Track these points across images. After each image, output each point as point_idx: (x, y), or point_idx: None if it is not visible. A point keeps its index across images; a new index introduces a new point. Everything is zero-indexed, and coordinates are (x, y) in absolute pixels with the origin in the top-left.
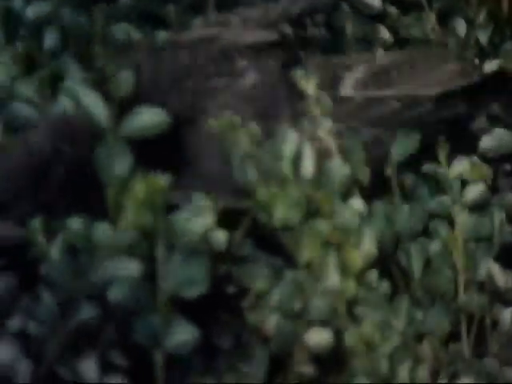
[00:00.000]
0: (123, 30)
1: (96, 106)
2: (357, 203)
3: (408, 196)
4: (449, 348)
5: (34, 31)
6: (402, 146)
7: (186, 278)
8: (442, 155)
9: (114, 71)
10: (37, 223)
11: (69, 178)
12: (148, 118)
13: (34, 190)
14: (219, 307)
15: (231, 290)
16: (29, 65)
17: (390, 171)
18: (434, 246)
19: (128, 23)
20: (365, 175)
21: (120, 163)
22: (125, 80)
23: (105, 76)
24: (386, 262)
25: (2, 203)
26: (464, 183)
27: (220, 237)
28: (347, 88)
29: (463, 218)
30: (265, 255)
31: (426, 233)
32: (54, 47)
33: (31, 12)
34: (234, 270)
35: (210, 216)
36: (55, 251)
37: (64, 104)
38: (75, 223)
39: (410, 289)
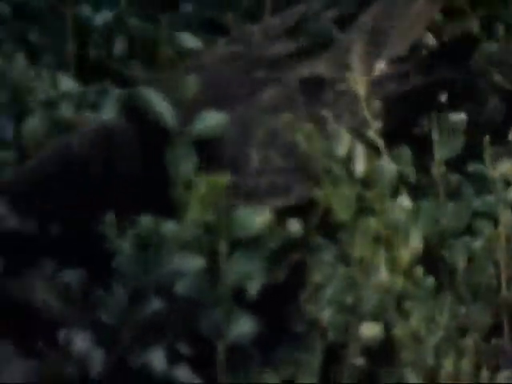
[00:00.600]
0: (186, 37)
1: (165, 109)
2: (404, 201)
3: (453, 195)
4: (491, 342)
5: (103, 38)
6: (448, 146)
7: (246, 272)
8: (487, 156)
9: (180, 76)
10: (110, 218)
11: (137, 177)
12: (212, 121)
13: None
14: (279, 299)
15: (291, 282)
16: (99, 70)
17: (435, 170)
18: (478, 244)
19: (190, 30)
20: (412, 174)
21: (186, 164)
22: (190, 84)
23: (171, 80)
24: (432, 258)
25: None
26: (508, 183)
27: (294, 226)
28: None
29: (506, 217)
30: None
31: (470, 230)
32: (123, 53)
33: (100, 19)
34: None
35: (269, 212)
36: (126, 246)
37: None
38: (145, 220)
39: (454, 284)
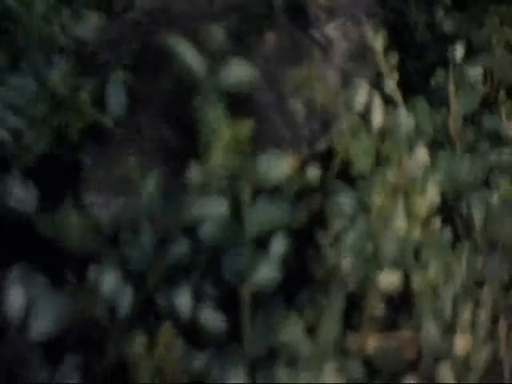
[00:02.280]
0: None
1: (193, 58)
2: (421, 154)
3: (469, 149)
4: (508, 293)
5: None
6: (465, 101)
7: (268, 218)
8: (503, 111)
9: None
10: (132, 161)
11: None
12: (238, 71)
13: None
14: (301, 244)
15: (312, 229)
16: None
17: (452, 124)
18: (494, 197)
19: None
20: (428, 127)
21: (212, 111)
22: (216, 34)
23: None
24: (449, 210)
25: None
26: None
27: (313, 174)
28: None
29: None
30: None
31: (487, 184)
32: None
33: None
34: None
35: (292, 160)
36: (151, 188)
37: None
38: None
39: (471, 237)
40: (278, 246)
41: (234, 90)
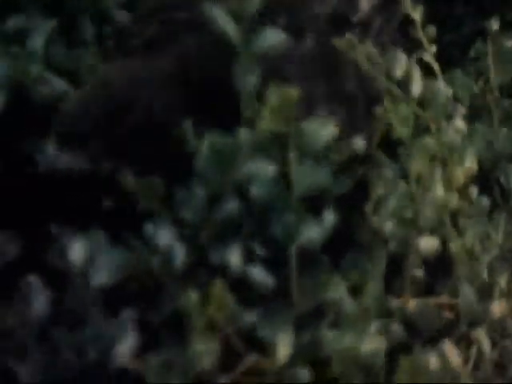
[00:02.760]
0: None
1: (229, 24)
2: (459, 123)
3: (506, 119)
4: None
5: None
6: (502, 71)
7: (314, 181)
8: None
9: None
10: (188, 124)
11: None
12: (273, 37)
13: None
14: (344, 209)
15: (355, 194)
16: None
17: (489, 95)
18: None
19: None
20: (466, 97)
21: (251, 77)
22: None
23: None
24: (486, 179)
25: None
26: None
27: (359, 142)
28: None
29: None
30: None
31: None
32: None
33: None
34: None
35: (335, 126)
36: (205, 150)
37: None
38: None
39: (508, 205)
40: (325, 208)
41: (269, 54)
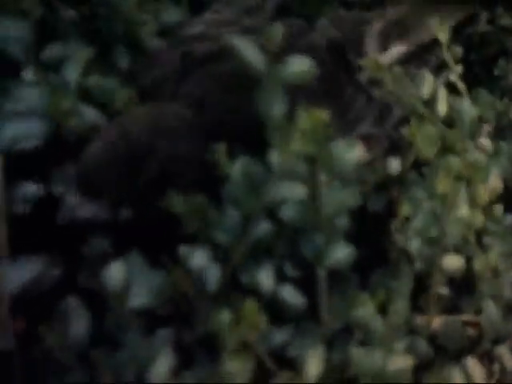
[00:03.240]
0: None
1: (254, 54)
2: (484, 142)
3: None
4: None
5: None
6: None
7: (343, 202)
8: None
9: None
10: (221, 147)
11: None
12: (300, 65)
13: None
14: (373, 227)
15: (383, 213)
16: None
17: None
18: None
19: None
20: (491, 116)
21: (278, 102)
22: (276, 31)
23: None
24: (511, 197)
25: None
26: None
27: (393, 164)
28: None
29: None
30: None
31: None
32: None
33: None
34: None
35: (363, 148)
36: (236, 173)
37: None
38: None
39: None
40: (352, 228)
41: (295, 81)
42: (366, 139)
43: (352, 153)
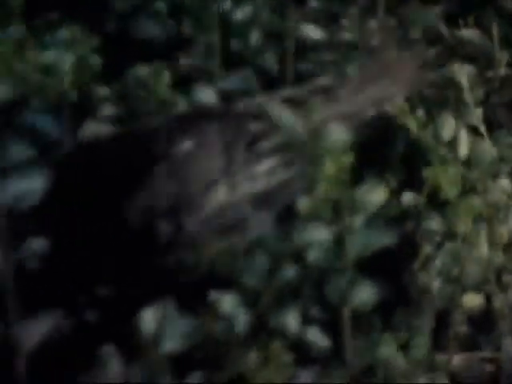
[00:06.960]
0: (312, 30)
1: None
2: (505, 182)
3: None
4: None
5: (241, 31)
6: None
7: (367, 243)
8: None
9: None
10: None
11: None
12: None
13: None
14: (396, 267)
15: (406, 252)
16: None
17: None
18: None
19: (315, 23)
20: (511, 157)
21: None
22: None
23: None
24: None
25: None
26: None
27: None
28: None
29: None
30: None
31: None
32: (258, 45)
33: (240, 14)
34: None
35: (385, 189)
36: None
37: None
38: None
39: None
40: (374, 269)
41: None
42: None
43: (376, 196)
